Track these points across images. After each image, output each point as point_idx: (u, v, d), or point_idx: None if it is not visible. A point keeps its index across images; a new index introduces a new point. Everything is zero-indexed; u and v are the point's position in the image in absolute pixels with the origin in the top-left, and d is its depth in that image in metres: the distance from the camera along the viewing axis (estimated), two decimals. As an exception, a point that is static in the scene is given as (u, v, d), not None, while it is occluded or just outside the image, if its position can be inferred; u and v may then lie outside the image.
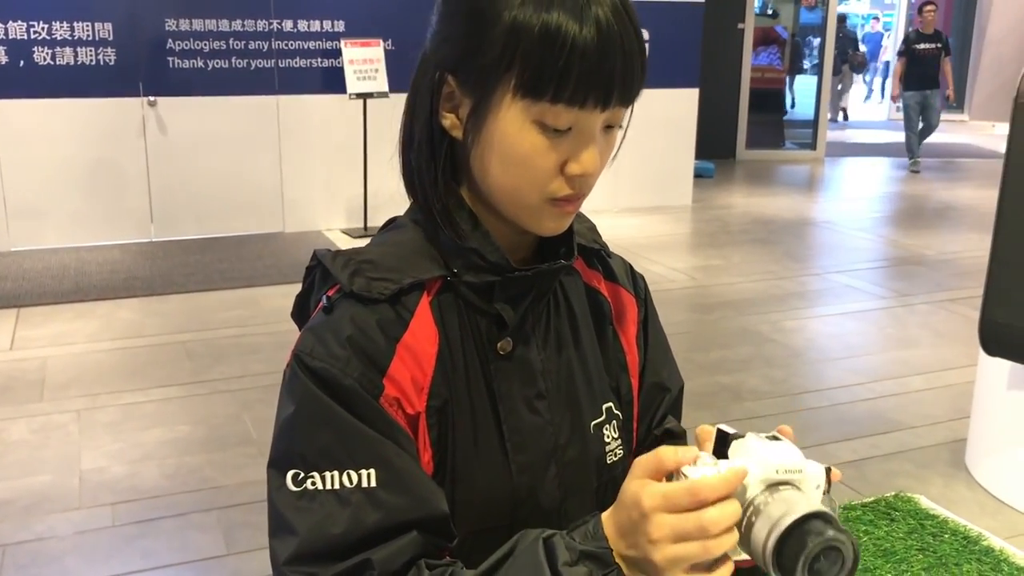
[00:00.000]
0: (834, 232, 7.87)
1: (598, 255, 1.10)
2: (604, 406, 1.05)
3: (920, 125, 10.67)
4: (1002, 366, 3.21)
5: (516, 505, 0.96)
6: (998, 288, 2.95)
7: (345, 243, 6.91)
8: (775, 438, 0.82)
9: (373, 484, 0.86)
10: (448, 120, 0.92)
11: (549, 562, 0.81)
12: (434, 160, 0.94)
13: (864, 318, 5.51)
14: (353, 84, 6.86)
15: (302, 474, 0.86)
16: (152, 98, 6.74)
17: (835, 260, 6.90)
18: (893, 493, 1.30)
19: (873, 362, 4.72)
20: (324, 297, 0.93)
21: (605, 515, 0.84)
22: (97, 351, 4.72)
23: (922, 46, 10.33)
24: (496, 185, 0.92)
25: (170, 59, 6.75)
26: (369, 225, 7.15)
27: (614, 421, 1.05)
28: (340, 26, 7.11)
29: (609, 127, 0.90)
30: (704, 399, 4.05)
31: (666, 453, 0.80)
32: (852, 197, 9.74)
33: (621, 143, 0.96)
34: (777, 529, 0.75)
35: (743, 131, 11.50)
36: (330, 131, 7.23)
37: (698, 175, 9.17)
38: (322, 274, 0.97)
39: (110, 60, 6.61)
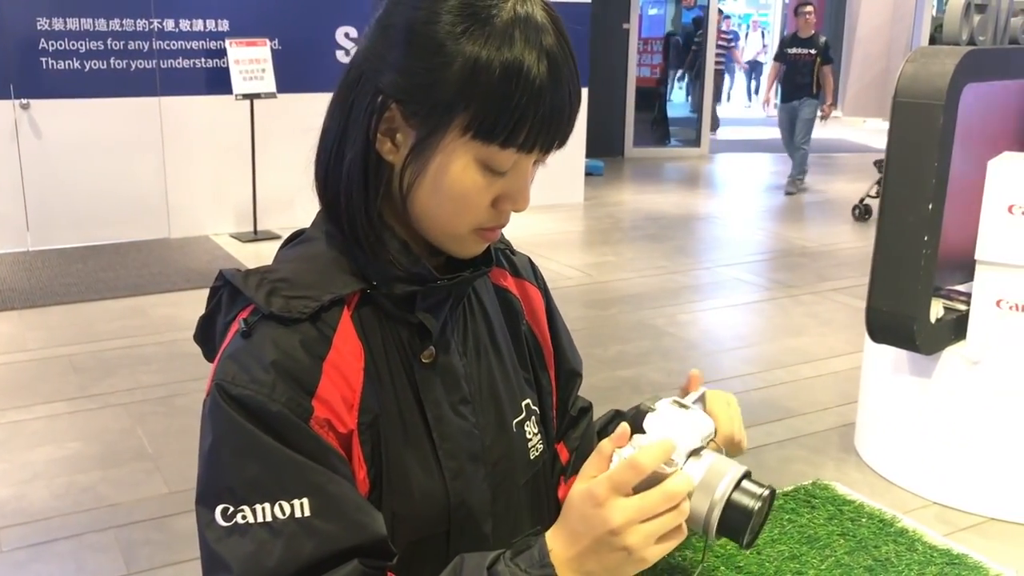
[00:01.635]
0: (721, 227, 8.10)
1: (503, 253, 1.12)
2: (523, 403, 1.06)
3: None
4: (887, 352, 3.37)
5: (451, 511, 0.96)
6: (882, 278, 3.09)
7: (234, 248, 6.74)
8: (682, 405, 0.89)
9: (307, 513, 0.83)
10: (386, 146, 0.89)
11: None
12: (366, 190, 0.91)
13: (753, 309, 5.69)
14: (239, 84, 6.70)
15: (231, 508, 0.83)
16: (25, 101, 6.43)
17: (723, 254, 7.10)
18: (811, 481, 1.35)
19: (764, 352, 4.88)
20: (241, 321, 0.88)
21: (550, 533, 0.85)
22: (-26, 368, 4.48)
23: (795, 50, 9.33)
24: (428, 215, 0.91)
25: (43, 60, 6.45)
26: (259, 228, 7.00)
27: (533, 416, 1.07)
28: (224, 25, 6.92)
29: (536, 162, 0.91)
30: (605, 394, 4.11)
31: (604, 446, 0.84)
32: (736, 192, 10.05)
33: None
34: (720, 501, 0.84)
35: (631, 129, 11.73)
36: (216, 133, 7.03)
37: (588, 173, 9.30)
38: (230, 295, 0.93)
39: (-23, 61, 6.28)
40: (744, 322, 5.48)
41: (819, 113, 9.38)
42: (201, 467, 0.87)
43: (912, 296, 3.01)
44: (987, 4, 3.14)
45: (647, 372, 4.51)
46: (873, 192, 7.83)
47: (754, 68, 19.96)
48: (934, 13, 9.18)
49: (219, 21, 6.91)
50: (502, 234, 1.09)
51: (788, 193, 9.34)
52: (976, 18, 3.06)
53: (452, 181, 0.87)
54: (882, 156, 8.20)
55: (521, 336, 1.09)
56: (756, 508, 0.83)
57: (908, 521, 1.25)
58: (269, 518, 0.82)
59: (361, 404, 0.90)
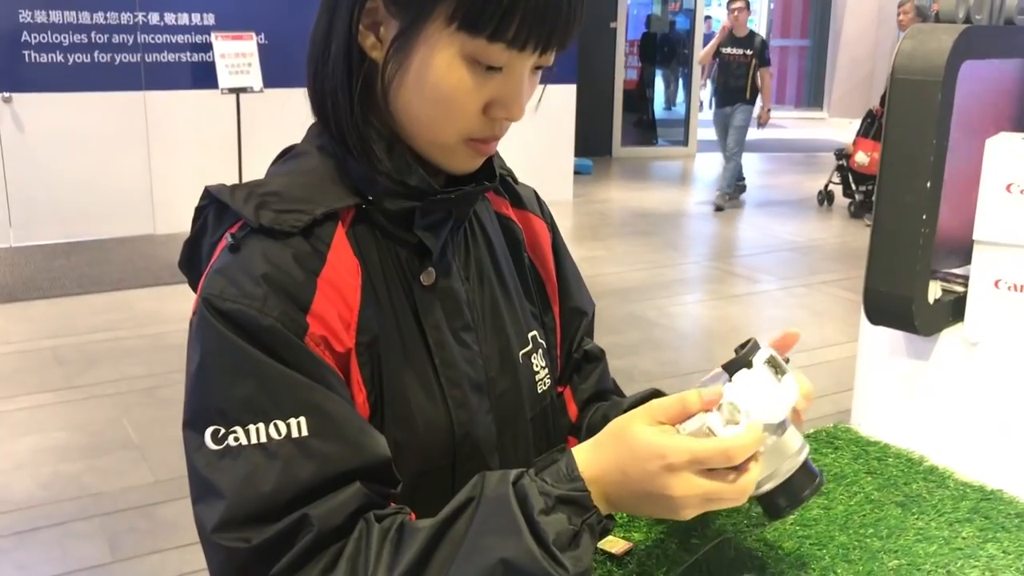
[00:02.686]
0: (710, 223, 8.08)
1: (504, 182, 1.05)
2: (530, 334, 1.01)
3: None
4: (883, 335, 3.33)
5: (456, 443, 0.91)
6: (879, 259, 3.05)
7: (222, 244, 6.66)
8: (777, 369, 0.82)
9: (304, 433, 0.77)
10: (369, 40, 0.84)
11: (524, 512, 0.74)
12: (349, 83, 0.85)
13: (745, 301, 5.67)
14: (225, 79, 6.64)
15: (222, 430, 0.77)
16: (7, 94, 6.35)
17: (713, 249, 7.09)
18: (832, 424, 1.32)
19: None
20: (228, 236, 0.83)
21: (585, 450, 0.80)
22: (-45, 360, 4.40)
23: (729, 50, 8.31)
24: (412, 117, 0.85)
25: (26, 53, 6.37)
26: (246, 225, 6.92)
27: (540, 349, 1.02)
28: (210, 19, 6.87)
29: (537, 68, 0.85)
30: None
31: (691, 399, 0.78)
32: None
33: (543, 91, 0.91)
34: (779, 477, 0.83)
35: (618, 128, 11.71)
36: (201, 128, 6.96)
37: (576, 172, 9.27)
38: (216, 213, 0.88)
39: (-42, 54, 6.19)
40: (736, 314, 5.45)
41: (755, 118, 8.59)
42: (188, 389, 0.81)
43: (910, 276, 2.97)
44: (983, -18, 3.10)
45: (639, 362, 4.47)
46: (836, 179, 8.19)
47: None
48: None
49: (204, 15, 6.85)
50: (503, 161, 1.05)
51: (718, 208, 8.37)
52: (972, -4, 3.03)
53: (437, 78, 0.81)
54: (843, 146, 8.32)
55: (524, 267, 1.04)
56: (806, 496, 0.83)
57: (937, 460, 1.21)
58: (264, 439, 0.76)
59: (359, 323, 0.84)
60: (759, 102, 8.50)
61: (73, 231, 6.68)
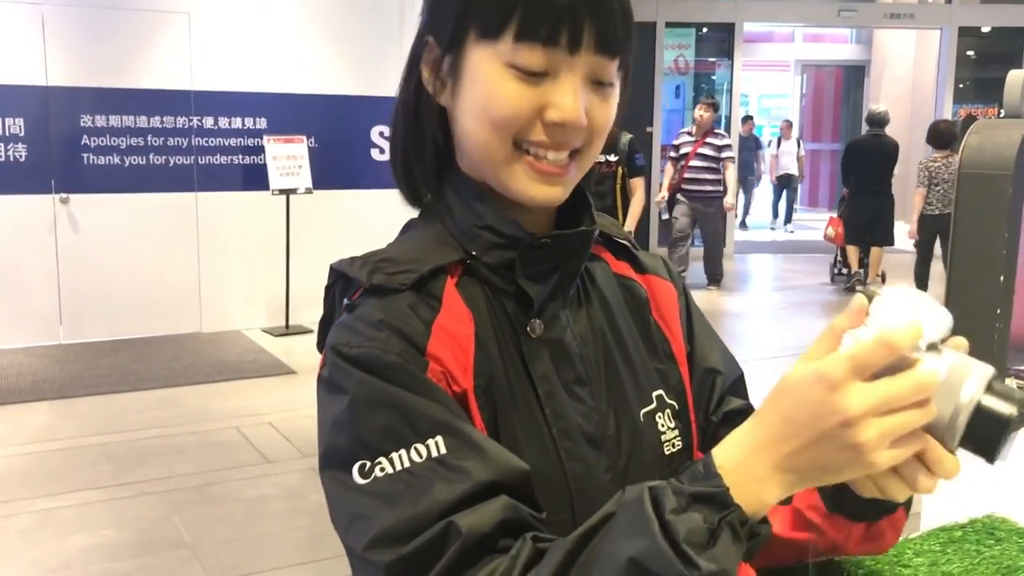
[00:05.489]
0: (750, 322, 8.01)
1: (625, 250, 1.05)
2: (654, 393, 0.97)
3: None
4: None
5: (573, 496, 0.88)
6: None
7: (267, 342, 6.69)
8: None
9: (443, 451, 0.79)
10: (430, 85, 0.91)
11: (656, 512, 0.70)
12: (418, 122, 0.93)
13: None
14: (276, 180, 6.77)
15: (368, 463, 0.79)
16: (64, 195, 6.51)
17: (760, 349, 7.00)
18: (985, 515, 1.25)
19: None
20: (345, 301, 0.89)
21: (733, 436, 0.74)
22: (5, 456, 4.39)
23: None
24: (474, 143, 0.88)
25: (84, 155, 6.56)
26: (291, 323, 6.96)
27: (667, 410, 0.97)
28: (262, 123, 7.05)
29: (600, 84, 0.86)
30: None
31: (835, 321, 0.71)
32: (759, 290, 9.99)
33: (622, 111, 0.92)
34: (968, 404, 0.68)
35: (655, 231, 11.77)
36: (250, 228, 7.08)
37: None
38: (342, 288, 0.92)
39: (20, 156, 6.38)
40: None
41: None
42: (326, 433, 0.84)
43: (986, 372, 2.88)
44: (1045, 79, 3.12)
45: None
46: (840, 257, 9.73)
47: (786, 183, 15.36)
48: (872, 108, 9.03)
49: (257, 119, 7.04)
50: (618, 227, 1.06)
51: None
52: (1035, 92, 3.03)
53: (486, 93, 0.85)
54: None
55: (650, 326, 1.02)
56: (1012, 415, 0.67)
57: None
58: (408, 464, 0.79)
59: (475, 367, 0.86)
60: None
61: (121, 329, 6.75)
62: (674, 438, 0.97)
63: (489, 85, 0.84)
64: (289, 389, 5.55)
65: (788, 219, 15.55)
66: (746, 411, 1.02)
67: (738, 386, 1.05)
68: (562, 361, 0.91)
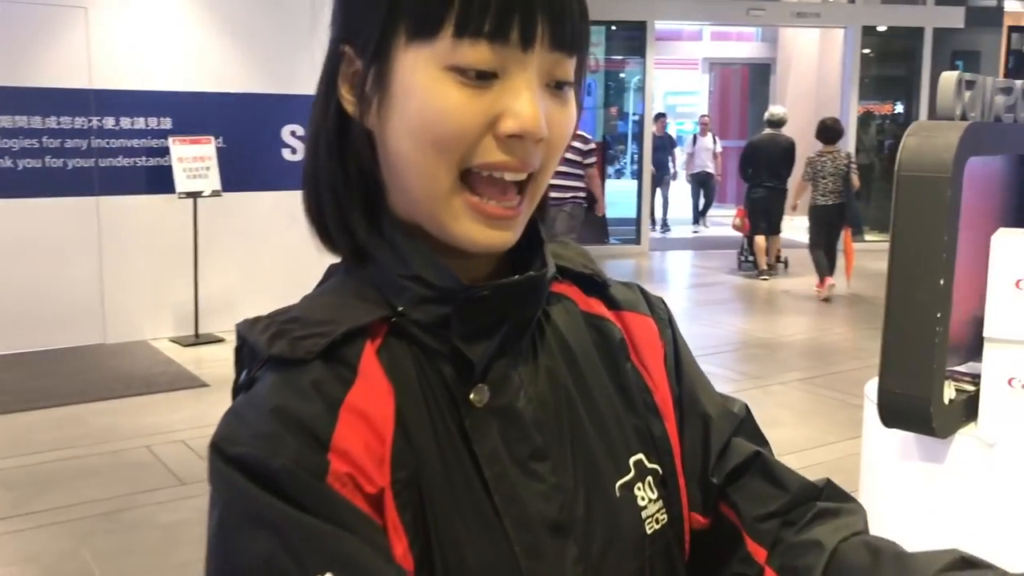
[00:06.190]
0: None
1: (591, 282, 0.88)
2: (632, 459, 0.81)
3: None
4: (891, 438, 3.22)
5: None
6: (894, 360, 2.96)
7: (176, 353, 6.40)
8: None
9: None
10: (351, 105, 0.75)
11: None
12: (340, 152, 0.76)
13: (723, 402, 5.57)
14: (182, 182, 6.50)
15: None
16: (-48, 201, 6.11)
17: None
18: None
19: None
20: (244, 374, 0.74)
21: None
22: None
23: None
24: (411, 172, 0.72)
25: (-27, 159, 6.16)
26: (200, 332, 6.68)
27: (649, 478, 0.82)
28: (167, 123, 6.75)
29: (558, 87, 0.72)
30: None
31: None
32: (683, 287, 10.07)
33: (580, 115, 0.78)
34: None
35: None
36: (156, 233, 6.78)
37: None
38: (249, 353, 0.76)
39: (-98, 160, 5.95)
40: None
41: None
42: (207, 549, 0.68)
43: (927, 376, 2.89)
44: (975, 81, 3.14)
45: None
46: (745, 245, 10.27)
47: (704, 181, 15.06)
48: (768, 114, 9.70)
49: (161, 119, 6.74)
50: (592, 260, 0.89)
51: None
52: (967, 94, 3.05)
53: (424, 103, 0.69)
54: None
55: (625, 374, 0.85)
56: None
57: None
58: None
59: (394, 457, 0.70)
60: None
61: (17, 342, 6.37)
62: (657, 512, 0.81)
63: (426, 96, 0.69)
64: (202, 403, 5.31)
65: (704, 215, 15.67)
66: (753, 461, 0.86)
67: (746, 428, 0.90)
68: (514, 433, 0.75)
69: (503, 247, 0.75)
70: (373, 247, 0.76)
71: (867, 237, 13.23)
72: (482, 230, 0.73)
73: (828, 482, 0.86)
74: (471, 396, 0.74)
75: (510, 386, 0.76)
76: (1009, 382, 2.98)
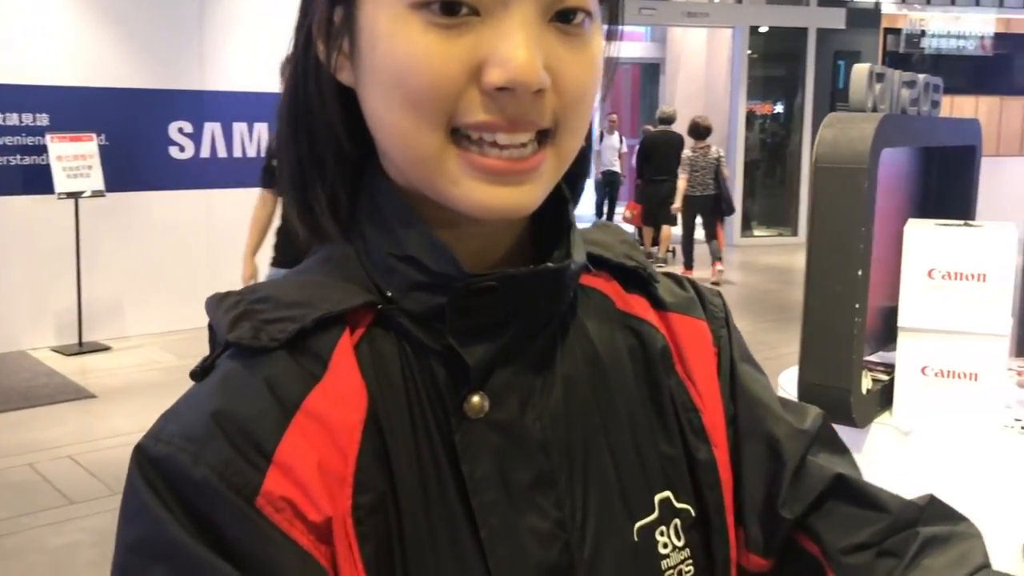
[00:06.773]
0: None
1: (634, 276, 0.73)
2: (657, 497, 0.67)
3: None
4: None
5: None
6: (813, 351, 2.98)
7: (58, 363, 6.03)
8: None
9: None
10: (328, 58, 0.63)
11: None
12: (313, 114, 0.64)
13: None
14: (62, 182, 6.18)
15: None
16: None
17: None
18: None
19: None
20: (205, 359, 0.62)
21: None
22: None
23: None
24: (389, 135, 0.60)
25: None
26: (84, 340, 6.33)
27: (676, 521, 0.67)
28: (44, 119, 6.39)
29: (567, 20, 0.58)
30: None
31: None
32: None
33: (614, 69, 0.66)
34: None
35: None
36: (34, 235, 6.44)
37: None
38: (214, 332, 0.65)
39: None
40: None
41: None
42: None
43: (846, 367, 2.91)
44: (884, 74, 3.18)
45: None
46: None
47: (611, 180, 14.37)
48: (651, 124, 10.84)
49: (38, 115, 6.38)
50: (638, 249, 0.75)
51: None
52: (877, 87, 3.09)
53: (391, 52, 0.57)
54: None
55: (664, 390, 0.70)
56: None
57: None
58: None
59: (358, 476, 0.57)
60: None
61: None
62: (681, 563, 0.67)
63: (390, 43, 0.57)
64: (89, 415, 5.02)
65: (611, 217, 15.50)
66: (836, 486, 0.71)
67: (818, 444, 0.74)
68: (516, 455, 0.62)
69: (519, 210, 0.60)
70: (364, 218, 0.64)
71: (756, 232, 13.59)
72: (486, 189, 0.58)
73: (932, 499, 0.72)
74: (465, 405, 0.61)
75: (514, 396, 0.63)
76: (922, 371, 3.02)
